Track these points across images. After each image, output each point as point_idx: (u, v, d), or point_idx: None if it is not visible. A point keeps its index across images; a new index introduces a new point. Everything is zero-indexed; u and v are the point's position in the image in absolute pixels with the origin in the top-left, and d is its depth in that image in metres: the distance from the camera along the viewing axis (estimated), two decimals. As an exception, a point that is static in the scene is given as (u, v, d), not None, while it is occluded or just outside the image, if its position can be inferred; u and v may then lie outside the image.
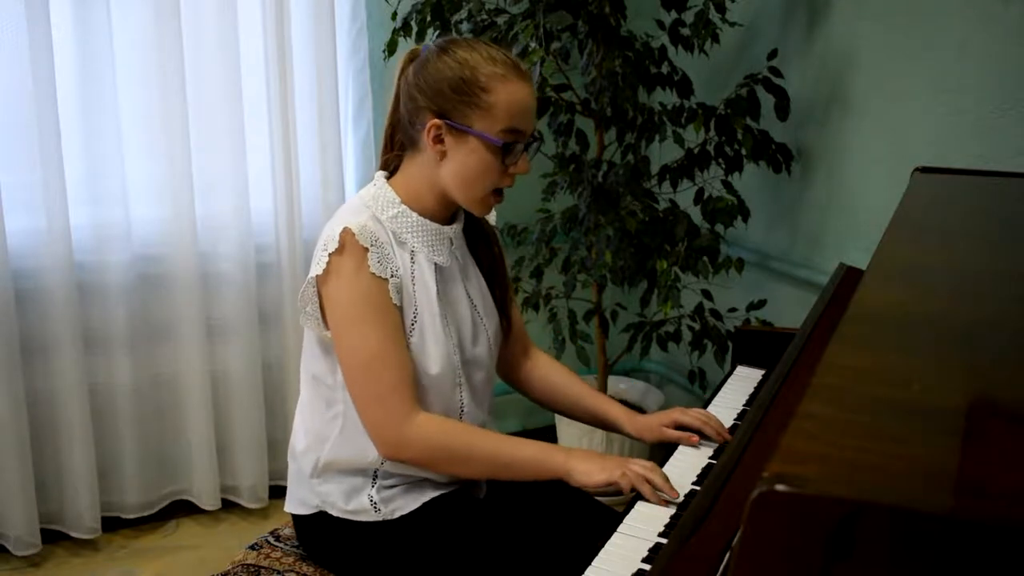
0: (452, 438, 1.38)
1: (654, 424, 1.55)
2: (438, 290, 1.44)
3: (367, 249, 1.35)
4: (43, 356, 2.40)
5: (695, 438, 1.50)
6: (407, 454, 1.38)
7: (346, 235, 1.35)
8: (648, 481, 1.32)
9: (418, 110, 1.40)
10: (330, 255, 1.35)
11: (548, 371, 1.67)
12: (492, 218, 1.61)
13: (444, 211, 1.47)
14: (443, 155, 1.40)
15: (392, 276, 1.38)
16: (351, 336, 1.36)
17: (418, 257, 1.43)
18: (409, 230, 1.43)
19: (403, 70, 1.45)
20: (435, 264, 1.44)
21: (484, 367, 1.53)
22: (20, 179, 2.31)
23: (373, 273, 1.36)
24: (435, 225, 1.45)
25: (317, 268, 1.37)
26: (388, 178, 1.48)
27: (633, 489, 1.34)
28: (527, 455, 1.38)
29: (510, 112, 1.37)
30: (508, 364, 1.68)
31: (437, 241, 1.45)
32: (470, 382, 1.50)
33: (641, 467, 1.34)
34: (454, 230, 1.48)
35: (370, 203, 1.43)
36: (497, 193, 1.44)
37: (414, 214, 1.43)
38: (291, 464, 1.54)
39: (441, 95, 1.38)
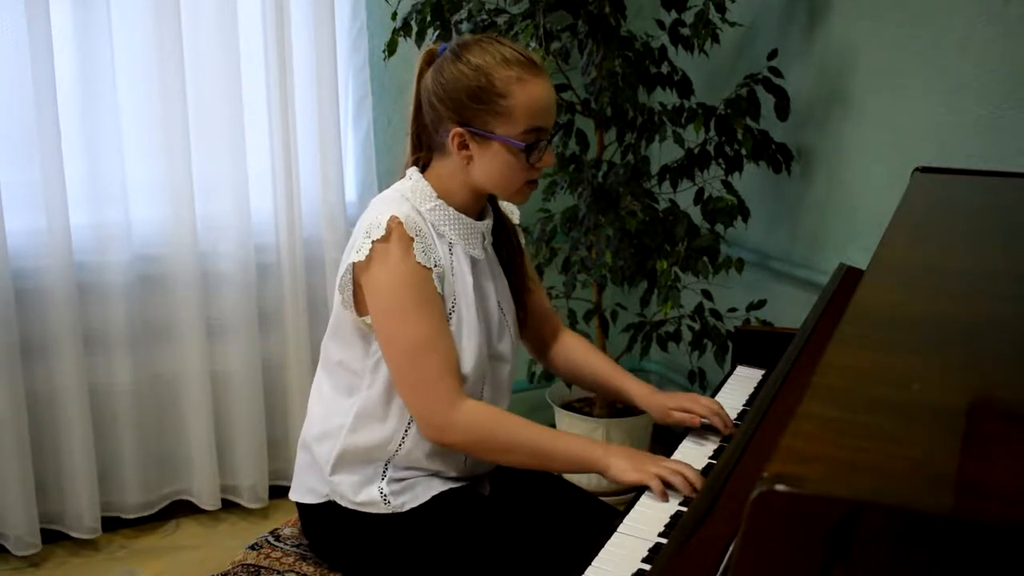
0: (497, 426, 1.39)
1: (664, 404, 1.57)
2: (473, 283, 1.46)
3: (413, 239, 1.37)
4: (43, 356, 2.40)
5: (696, 420, 1.52)
6: (452, 438, 1.40)
7: (393, 223, 1.36)
8: (680, 474, 1.33)
9: (440, 118, 1.42)
10: (374, 242, 1.36)
11: (573, 349, 1.69)
12: (515, 217, 1.64)
13: (476, 206, 1.49)
14: (469, 159, 1.42)
15: (436, 266, 1.40)
16: (397, 323, 1.37)
17: (456, 250, 1.45)
18: (446, 223, 1.45)
19: (421, 73, 1.46)
20: (471, 257, 1.46)
21: (507, 361, 1.55)
22: (20, 179, 2.31)
23: (419, 262, 1.37)
24: (469, 220, 1.47)
25: (358, 255, 1.37)
26: (421, 172, 1.49)
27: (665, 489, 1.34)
28: (568, 448, 1.40)
29: (530, 113, 1.39)
30: (538, 343, 1.71)
31: (472, 235, 1.47)
32: (494, 377, 1.52)
33: (675, 463, 1.36)
34: (486, 225, 1.50)
35: (408, 195, 1.45)
36: (530, 183, 1.46)
37: (450, 208, 1.45)
38: (301, 453, 1.55)
39: (460, 104, 1.39)
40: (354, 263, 1.38)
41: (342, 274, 1.41)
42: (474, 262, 1.47)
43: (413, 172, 1.48)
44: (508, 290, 1.57)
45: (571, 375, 1.71)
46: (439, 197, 1.45)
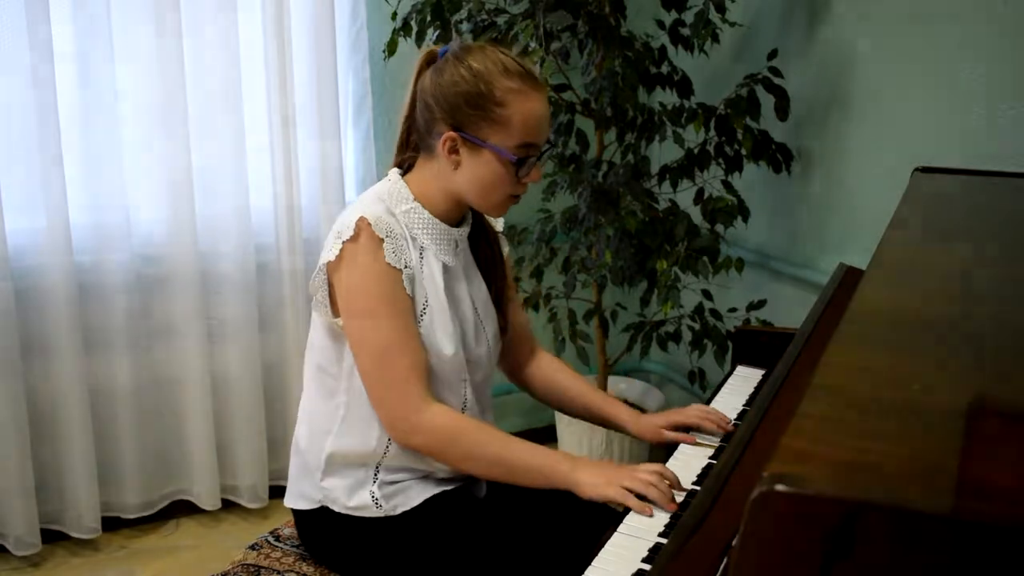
0: (463, 432, 1.38)
1: (654, 425, 1.56)
2: (445, 287, 1.45)
3: (383, 240, 1.36)
4: (43, 356, 2.40)
5: (692, 438, 1.51)
6: (417, 440, 1.39)
7: (362, 224, 1.36)
8: (655, 486, 1.30)
9: (434, 120, 1.41)
10: (344, 243, 1.36)
11: (553, 372, 1.67)
12: (499, 224, 1.62)
13: (454, 214, 1.48)
14: (457, 165, 1.41)
15: (405, 267, 1.39)
16: (365, 324, 1.37)
17: (427, 254, 1.44)
18: (420, 227, 1.44)
19: (419, 73, 1.45)
20: (442, 263, 1.45)
21: (484, 368, 1.54)
22: (20, 179, 2.31)
23: (388, 263, 1.37)
24: (444, 226, 1.46)
25: (329, 255, 1.37)
26: (403, 175, 1.48)
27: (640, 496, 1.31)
28: (533, 462, 1.37)
29: (525, 127, 1.38)
30: (514, 364, 1.69)
31: (445, 241, 1.46)
32: (473, 380, 1.51)
33: (648, 472, 1.32)
34: (461, 233, 1.50)
35: (384, 197, 1.45)
36: (513, 197, 1.45)
37: (426, 212, 1.45)
38: (294, 458, 1.55)
39: (456, 108, 1.38)
40: (326, 263, 1.38)
41: (314, 275, 1.41)
42: (445, 268, 1.46)
43: (394, 174, 1.48)
44: (487, 296, 1.56)
45: (551, 398, 1.68)
46: (416, 200, 1.45)
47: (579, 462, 1.36)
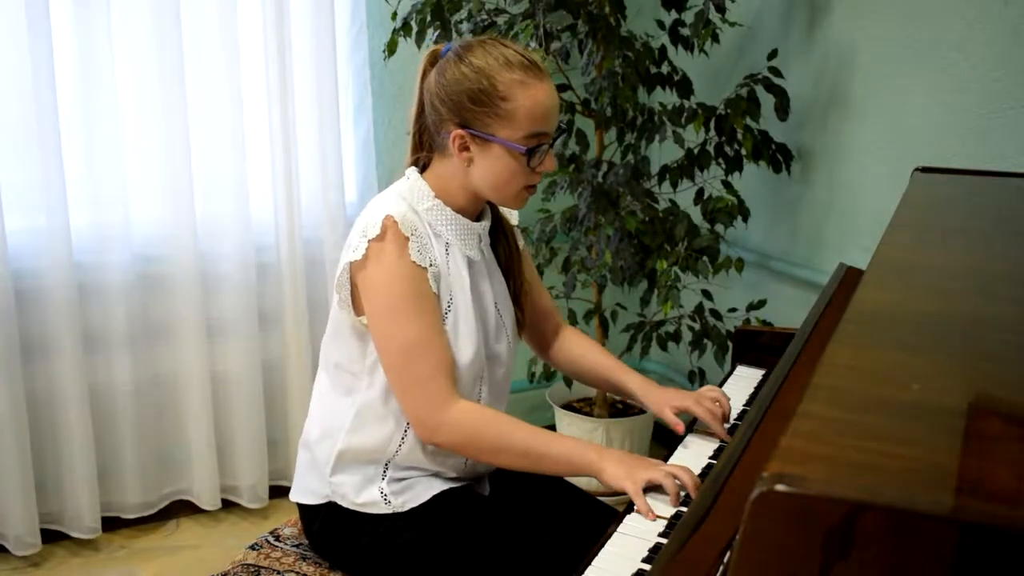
0: (488, 426, 1.38)
1: (663, 399, 1.55)
2: (470, 283, 1.46)
3: (408, 238, 1.37)
4: (43, 356, 2.40)
5: (680, 428, 1.51)
6: (443, 437, 1.39)
7: (388, 222, 1.36)
8: (672, 478, 1.31)
9: (442, 120, 1.42)
10: (370, 241, 1.37)
11: (573, 345, 1.69)
12: (514, 218, 1.63)
13: (474, 208, 1.49)
14: (470, 161, 1.42)
15: (431, 265, 1.40)
16: (391, 322, 1.37)
17: (452, 250, 1.45)
18: (443, 223, 1.45)
19: (424, 74, 1.45)
20: (467, 258, 1.46)
21: (503, 363, 1.54)
22: (20, 179, 2.31)
23: (414, 261, 1.37)
24: (466, 221, 1.47)
25: (354, 254, 1.38)
26: (420, 173, 1.49)
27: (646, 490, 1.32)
28: (560, 452, 1.38)
29: (531, 117, 1.38)
30: (543, 343, 1.71)
31: (468, 236, 1.47)
32: (491, 377, 1.52)
33: (672, 468, 1.32)
34: (483, 227, 1.50)
35: (406, 195, 1.45)
36: (529, 188, 1.45)
37: (448, 209, 1.45)
38: (302, 453, 1.55)
39: (461, 106, 1.39)
40: (351, 263, 1.39)
41: (339, 274, 1.41)
42: (470, 263, 1.47)
43: (412, 172, 1.48)
44: (506, 292, 1.56)
45: (572, 371, 1.71)
46: (437, 197, 1.45)
47: (606, 452, 1.37)
